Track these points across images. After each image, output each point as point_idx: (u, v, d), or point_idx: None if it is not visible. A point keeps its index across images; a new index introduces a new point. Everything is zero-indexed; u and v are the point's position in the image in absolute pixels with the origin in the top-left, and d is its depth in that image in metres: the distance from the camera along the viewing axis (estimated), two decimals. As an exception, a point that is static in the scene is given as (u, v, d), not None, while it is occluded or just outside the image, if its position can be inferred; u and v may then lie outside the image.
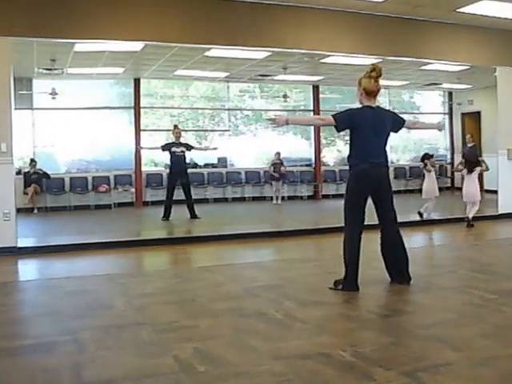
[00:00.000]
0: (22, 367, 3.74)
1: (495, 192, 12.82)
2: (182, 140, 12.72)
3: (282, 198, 16.73)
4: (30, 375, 3.57)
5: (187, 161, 12.81)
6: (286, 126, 6.43)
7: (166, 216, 12.13)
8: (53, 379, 3.52)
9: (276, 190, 16.54)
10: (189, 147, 12.64)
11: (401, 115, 6.16)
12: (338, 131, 5.90)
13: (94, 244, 8.95)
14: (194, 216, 12.33)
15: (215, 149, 14.17)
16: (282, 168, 16.67)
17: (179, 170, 12.28)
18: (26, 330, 4.74)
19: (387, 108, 19.97)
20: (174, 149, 12.25)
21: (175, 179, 12.35)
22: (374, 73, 5.53)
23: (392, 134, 5.84)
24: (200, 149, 13.23)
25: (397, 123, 5.88)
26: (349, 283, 5.57)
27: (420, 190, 19.29)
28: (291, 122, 6.01)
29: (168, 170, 12.57)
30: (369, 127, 5.55)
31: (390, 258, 5.91)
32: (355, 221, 5.67)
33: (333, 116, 5.63)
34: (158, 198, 16.42)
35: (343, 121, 5.64)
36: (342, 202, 5.76)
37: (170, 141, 12.64)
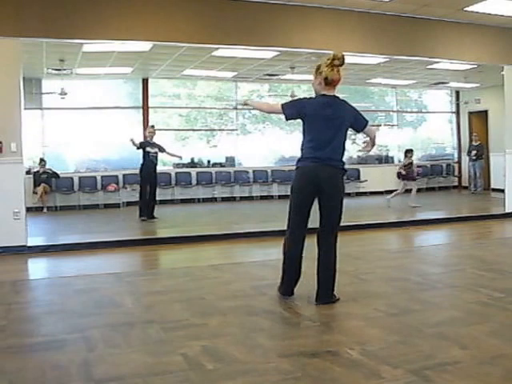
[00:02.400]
0: (32, 364, 3.77)
1: (502, 191, 12.79)
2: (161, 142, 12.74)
3: (281, 196, 16.68)
4: (40, 372, 3.61)
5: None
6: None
7: (145, 215, 12.08)
8: (62, 376, 3.55)
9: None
10: (161, 149, 12.61)
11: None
12: (286, 119, 5.24)
13: (102, 243, 8.98)
14: (151, 216, 12.22)
15: (180, 157, 13.99)
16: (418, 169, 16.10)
17: (151, 170, 12.26)
18: (36, 327, 4.78)
19: (395, 108, 20.01)
20: (148, 149, 12.18)
21: (148, 179, 12.27)
22: (338, 61, 5.04)
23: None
24: (171, 154, 13.10)
25: (358, 122, 5.30)
26: (285, 288, 5.28)
27: (427, 189, 19.46)
28: (250, 104, 5.81)
29: (140, 170, 12.43)
30: (321, 119, 5.03)
31: (319, 271, 5.20)
32: (299, 224, 5.16)
33: (282, 105, 5.19)
34: (167, 197, 16.51)
35: (290, 109, 5.17)
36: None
37: (146, 140, 12.51)
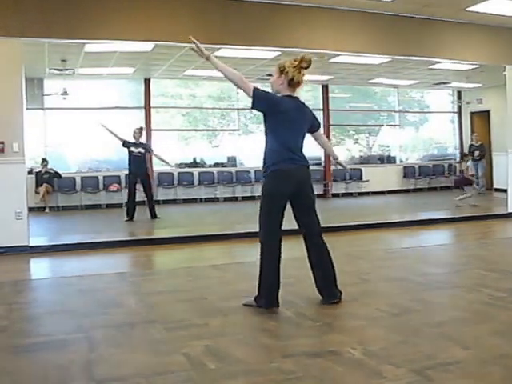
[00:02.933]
0: (34, 364, 3.78)
1: (505, 191, 12.79)
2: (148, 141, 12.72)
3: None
4: (42, 372, 3.61)
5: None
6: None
7: (130, 217, 12.02)
8: (65, 376, 3.55)
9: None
10: (148, 149, 12.56)
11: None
12: (252, 108, 4.96)
13: (105, 243, 9.00)
14: (154, 216, 12.26)
15: (170, 165, 13.86)
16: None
17: (137, 171, 12.14)
18: (38, 327, 4.79)
19: (397, 108, 20.01)
20: (132, 148, 12.13)
21: (134, 180, 12.21)
22: (306, 63, 4.93)
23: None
24: (158, 157, 13.02)
25: (314, 124, 5.27)
26: (267, 300, 4.95)
27: (429, 189, 19.47)
28: (211, 61, 5.49)
29: (128, 171, 12.41)
30: (290, 119, 4.93)
31: (317, 271, 5.17)
32: (274, 229, 4.97)
33: (255, 87, 4.90)
34: (169, 197, 16.55)
35: (262, 99, 4.92)
36: (259, 206, 5.08)
37: (133, 140, 12.34)
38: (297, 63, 4.94)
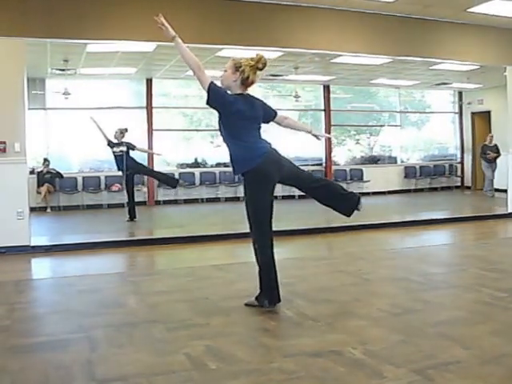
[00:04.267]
0: (35, 364, 3.78)
1: (505, 191, 12.80)
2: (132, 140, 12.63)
3: (285, 197, 16.44)
4: (43, 372, 3.62)
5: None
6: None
7: (131, 217, 12.04)
8: (66, 376, 3.56)
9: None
10: (130, 146, 12.44)
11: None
12: (207, 103, 4.93)
13: (106, 243, 9.00)
14: (133, 218, 12.16)
15: (159, 154, 13.82)
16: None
17: (124, 167, 12.12)
18: (39, 327, 4.81)
19: (398, 109, 20.00)
20: (114, 149, 12.14)
21: (127, 177, 12.20)
22: (261, 65, 4.92)
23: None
24: (143, 150, 12.97)
25: (267, 114, 5.25)
26: (271, 297, 4.97)
27: (430, 189, 19.48)
28: (176, 42, 5.37)
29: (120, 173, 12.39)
30: (244, 119, 4.92)
31: (329, 197, 5.27)
32: (265, 229, 5.01)
33: (211, 82, 4.90)
34: (170, 198, 16.55)
35: (219, 97, 4.91)
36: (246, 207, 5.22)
37: (115, 141, 12.31)
38: (253, 63, 4.92)
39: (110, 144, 12.20)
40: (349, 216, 5.33)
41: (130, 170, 12.20)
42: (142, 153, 13.80)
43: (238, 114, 4.89)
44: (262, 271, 5.00)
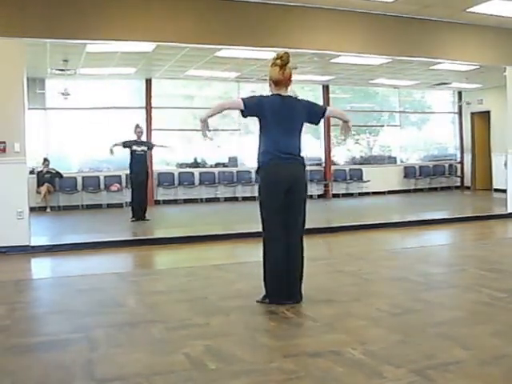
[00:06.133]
0: (35, 364, 3.78)
1: (504, 191, 12.80)
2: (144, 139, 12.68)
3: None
4: (43, 372, 3.62)
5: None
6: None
7: (136, 217, 12.00)
8: (66, 376, 3.56)
9: None
10: (150, 145, 12.53)
11: (320, 105, 5.47)
12: (244, 116, 5.11)
13: (106, 242, 9.00)
14: (143, 218, 12.12)
15: (168, 147, 13.69)
16: None
17: (140, 170, 12.05)
18: (39, 327, 4.82)
19: (397, 109, 20.01)
20: (134, 147, 11.98)
21: (137, 179, 12.09)
22: (280, 60, 4.99)
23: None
24: (159, 146, 12.92)
25: (314, 114, 5.29)
26: (273, 298, 5.03)
27: (429, 189, 19.49)
28: (207, 118, 5.20)
29: (129, 170, 12.33)
30: (278, 118, 4.98)
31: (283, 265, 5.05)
32: (275, 227, 5.00)
33: (242, 99, 5.05)
34: (170, 197, 16.56)
35: (251, 106, 5.02)
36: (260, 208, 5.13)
37: (133, 139, 12.21)
38: (272, 61, 5.05)
39: (127, 143, 12.04)
40: (270, 299, 5.06)
41: (144, 174, 12.15)
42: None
43: (271, 114, 4.99)
44: (265, 270, 5.07)
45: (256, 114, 5.06)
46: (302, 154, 5.15)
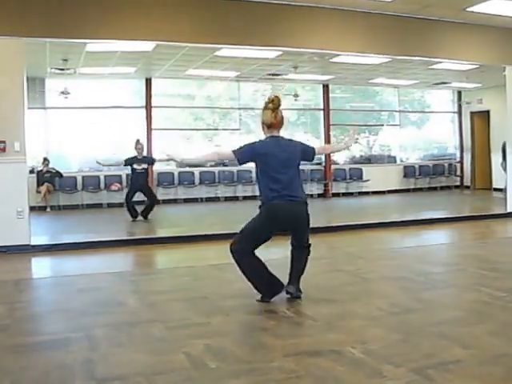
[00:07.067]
0: (35, 363, 3.79)
1: (503, 190, 12.81)
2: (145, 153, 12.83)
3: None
4: (43, 371, 3.63)
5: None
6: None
7: (134, 216, 12.10)
8: (66, 375, 3.57)
9: None
10: (150, 161, 12.68)
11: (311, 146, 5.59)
12: (240, 164, 5.32)
13: (106, 242, 9.00)
14: (145, 216, 12.26)
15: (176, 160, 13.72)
16: None
17: (138, 185, 12.24)
18: (39, 326, 4.82)
19: (397, 108, 20.02)
20: (135, 165, 12.19)
21: (134, 190, 12.28)
22: (271, 104, 5.17)
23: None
24: (162, 160, 13.01)
25: (307, 153, 5.44)
26: (269, 294, 5.21)
27: (429, 189, 19.49)
28: (182, 160, 5.50)
29: (129, 185, 12.52)
30: (275, 158, 5.13)
31: (295, 264, 5.38)
32: (250, 246, 5.17)
33: (233, 151, 5.23)
34: (170, 197, 16.55)
35: (244, 154, 5.21)
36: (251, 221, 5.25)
37: (133, 155, 12.36)
38: (265, 105, 5.23)
39: (129, 161, 12.26)
40: (268, 296, 5.23)
41: (143, 187, 12.35)
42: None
43: (265, 156, 5.14)
44: (245, 274, 5.28)
45: (252, 160, 5.24)
46: (303, 193, 5.31)
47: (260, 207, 5.25)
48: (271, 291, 5.20)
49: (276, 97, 5.22)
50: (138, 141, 12.59)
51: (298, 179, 5.28)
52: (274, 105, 5.17)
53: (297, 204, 5.17)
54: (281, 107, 5.23)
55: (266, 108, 5.20)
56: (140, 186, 12.28)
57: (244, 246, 5.15)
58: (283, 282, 5.24)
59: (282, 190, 5.10)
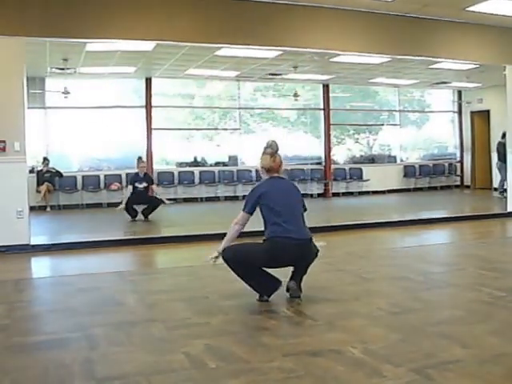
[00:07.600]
0: (35, 363, 3.79)
1: (504, 190, 12.81)
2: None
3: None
4: (43, 371, 3.63)
5: None
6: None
7: (133, 217, 12.12)
8: (65, 375, 3.56)
9: None
10: (150, 181, 12.81)
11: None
12: (252, 214, 5.43)
13: (105, 241, 9.00)
14: (146, 215, 12.26)
15: (164, 202, 13.69)
16: None
17: (139, 201, 12.30)
18: (39, 326, 4.82)
19: (397, 108, 20.02)
20: (136, 184, 12.36)
21: (135, 203, 12.29)
22: (269, 149, 5.35)
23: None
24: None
25: (302, 202, 5.48)
26: (268, 292, 5.24)
27: (429, 188, 19.49)
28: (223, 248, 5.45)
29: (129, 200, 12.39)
30: (275, 192, 5.27)
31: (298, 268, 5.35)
32: (245, 264, 5.23)
33: (242, 211, 5.47)
34: (170, 196, 16.50)
35: (249, 204, 5.38)
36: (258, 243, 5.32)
37: (135, 173, 12.62)
38: (263, 151, 5.40)
39: (132, 180, 12.51)
40: (267, 295, 5.27)
41: (144, 202, 12.40)
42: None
43: (266, 194, 5.25)
44: (241, 277, 5.34)
45: (257, 202, 5.32)
46: (306, 229, 5.28)
47: (264, 241, 5.26)
48: (269, 289, 5.22)
49: (273, 141, 5.40)
50: (140, 158, 12.83)
51: (302, 216, 5.32)
52: (272, 149, 5.34)
53: (305, 241, 5.18)
54: (279, 151, 5.37)
55: (264, 153, 5.36)
56: (140, 202, 12.33)
57: (237, 255, 5.26)
58: (283, 281, 5.25)
59: (290, 227, 5.09)
